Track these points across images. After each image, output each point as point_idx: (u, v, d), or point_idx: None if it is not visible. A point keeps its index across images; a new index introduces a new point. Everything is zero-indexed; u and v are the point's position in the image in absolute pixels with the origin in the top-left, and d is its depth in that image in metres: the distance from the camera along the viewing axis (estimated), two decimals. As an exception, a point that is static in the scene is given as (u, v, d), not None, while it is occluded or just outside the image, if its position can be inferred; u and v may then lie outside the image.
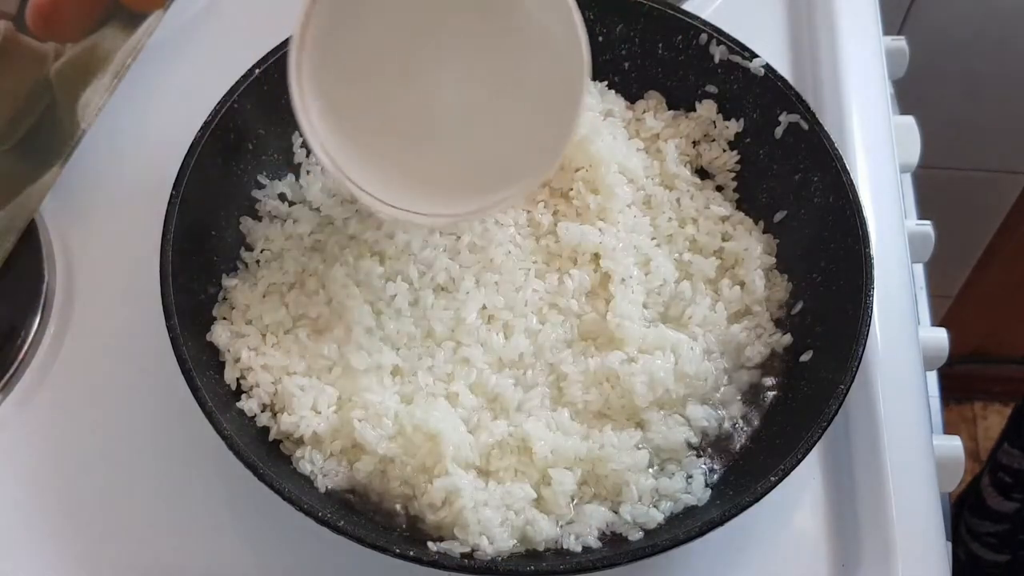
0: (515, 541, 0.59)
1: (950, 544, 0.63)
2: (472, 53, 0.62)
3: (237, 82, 0.68)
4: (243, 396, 0.63)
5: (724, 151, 0.73)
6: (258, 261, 0.69)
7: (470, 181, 0.62)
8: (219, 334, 0.65)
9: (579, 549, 0.59)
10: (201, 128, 0.67)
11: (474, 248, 0.68)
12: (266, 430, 0.63)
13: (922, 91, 0.94)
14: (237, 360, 0.64)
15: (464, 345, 0.65)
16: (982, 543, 1.20)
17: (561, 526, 0.60)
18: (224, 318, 0.66)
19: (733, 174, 0.73)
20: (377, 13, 0.60)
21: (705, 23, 0.72)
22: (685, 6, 0.75)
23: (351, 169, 0.60)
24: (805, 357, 0.65)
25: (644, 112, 0.75)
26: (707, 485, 0.62)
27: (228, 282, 0.67)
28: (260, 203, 0.71)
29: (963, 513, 1.22)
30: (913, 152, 0.80)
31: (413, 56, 0.62)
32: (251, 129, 0.70)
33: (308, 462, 0.62)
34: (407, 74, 0.62)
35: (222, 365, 0.64)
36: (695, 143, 0.74)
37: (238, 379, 0.64)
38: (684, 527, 0.58)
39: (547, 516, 0.60)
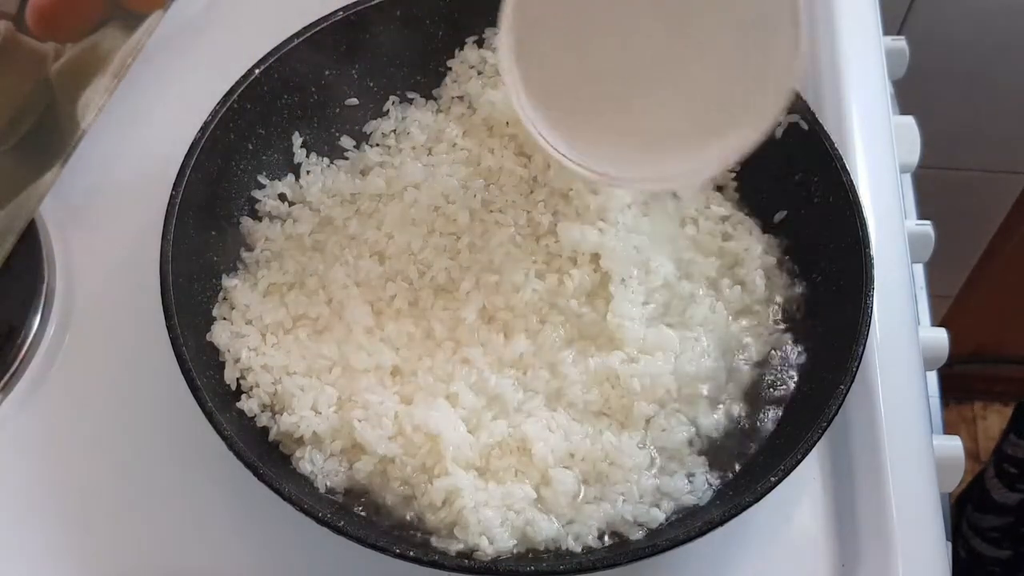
0: (515, 541, 0.59)
1: (950, 544, 0.63)
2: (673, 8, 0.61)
3: (237, 82, 0.68)
4: (243, 396, 0.63)
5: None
6: (258, 261, 0.69)
7: (676, 141, 0.61)
8: (219, 334, 0.65)
9: (579, 549, 0.59)
10: (201, 128, 0.67)
11: (474, 248, 0.68)
12: (266, 430, 0.63)
13: (922, 91, 0.94)
14: (237, 360, 0.64)
15: (464, 345, 0.65)
16: (984, 538, 1.20)
17: (561, 526, 0.60)
18: (224, 318, 0.66)
19: (733, 174, 0.73)
20: None
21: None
22: (685, 6, 0.75)
23: (555, 138, 0.60)
24: (805, 357, 0.65)
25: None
26: (708, 485, 0.62)
27: (228, 282, 0.67)
28: (260, 203, 0.71)
29: (964, 510, 1.22)
30: (913, 152, 0.80)
31: (611, 11, 0.61)
32: (251, 129, 0.70)
33: (308, 462, 0.62)
34: (605, 29, 0.61)
35: (222, 365, 0.64)
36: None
37: (238, 379, 0.64)
38: (684, 527, 0.58)
39: (547, 516, 0.60)
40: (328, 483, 0.61)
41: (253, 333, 0.65)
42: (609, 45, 0.61)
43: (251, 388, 0.64)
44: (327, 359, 0.65)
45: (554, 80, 0.61)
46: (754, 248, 0.69)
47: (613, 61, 0.61)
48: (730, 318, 0.67)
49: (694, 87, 0.61)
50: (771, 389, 0.66)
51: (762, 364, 0.66)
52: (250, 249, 0.69)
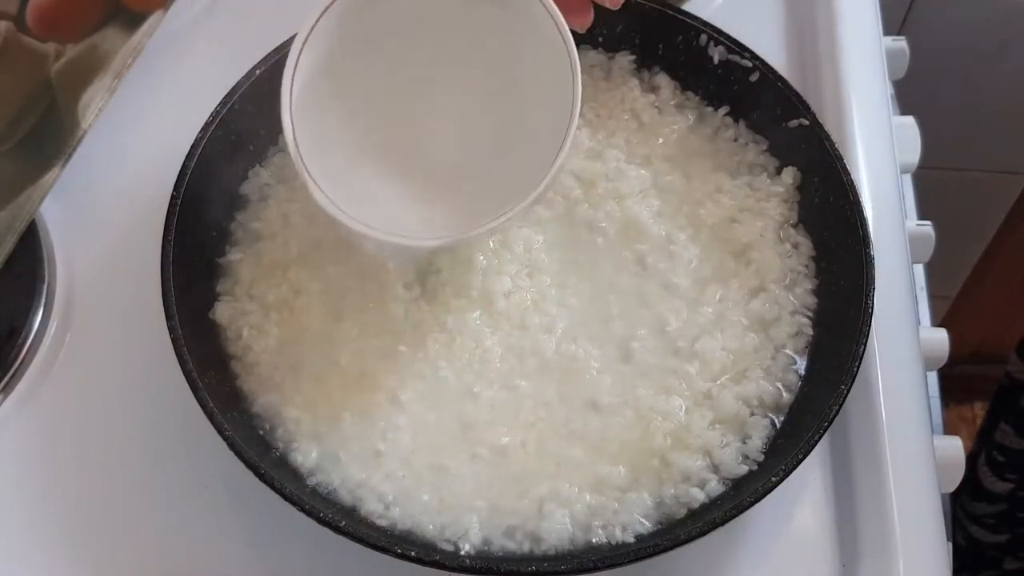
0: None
1: (950, 544, 0.63)
2: (464, 82, 0.62)
3: (238, 83, 0.69)
4: (244, 396, 0.63)
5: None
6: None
7: (460, 207, 0.61)
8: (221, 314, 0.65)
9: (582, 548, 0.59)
10: (202, 129, 0.67)
11: None
12: (267, 430, 0.63)
13: (922, 91, 0.94)
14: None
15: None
16: (980, 525, 1.20)
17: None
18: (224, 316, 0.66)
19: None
20: (371, 44, 0.61)
21: (705, 24, 0.72)
22: (685, 6, 0.75)
23: (338, 196, 0.58)
24: (805, 357, 0.65)
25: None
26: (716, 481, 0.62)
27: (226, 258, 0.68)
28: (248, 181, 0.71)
29: (959, 498, 1.22)
30: (913, 152, 0.80)
31: (403, 80, 0.62)
32: (252, 130, 0.70)
33: (309, 462, 0.62)
34: (396, 96, 0.62)
35: (223, 365, 0.64)
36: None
37: (238, 379, 0.64)
38: (684, 527, 0.58)
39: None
40: (329, 483, 0.61)
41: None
42: (398, 106, 0.63)
43: (252, 388, 0.64)
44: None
45: (340, 135, 0.61)
46: (768, 235, 0.69)
47: (399, 122, 0.63)
48: (747, 295, 0.67)
49: (481, 151, 0.62)
50: (771, 389, 0.66)
51: (792, 340, 0.66)
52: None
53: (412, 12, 0.60)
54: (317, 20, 0.57)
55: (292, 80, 0.58)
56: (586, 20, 0.60)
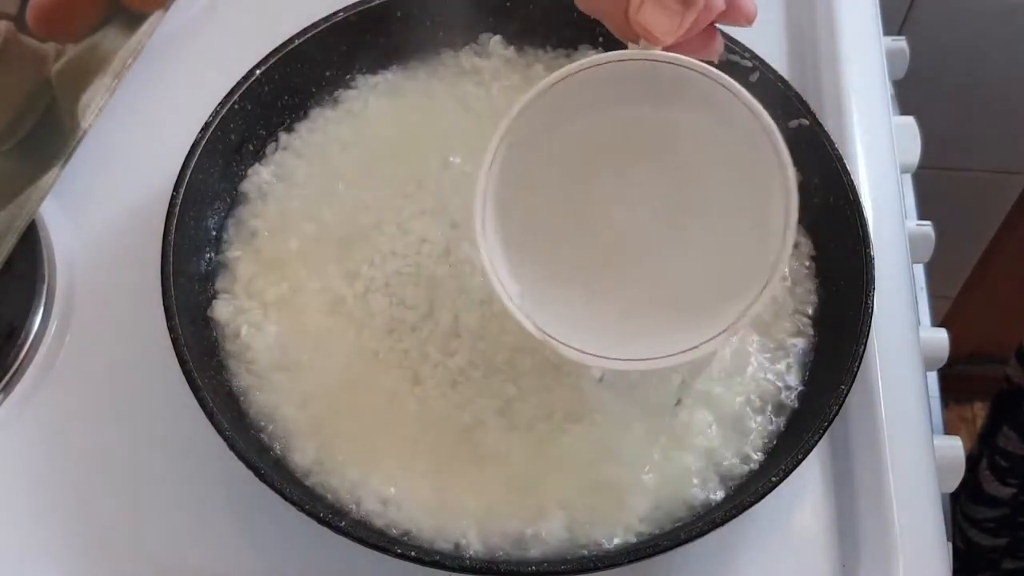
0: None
1: (951, 544, 0.63)
2: (661, 188, 0.57)
3: (238, 83, 0.69)
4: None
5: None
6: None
7: (671, 321, 0.56)
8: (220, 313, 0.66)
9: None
10: (202, 128, 0.67)
11: None
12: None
13: (922, 91, 0.94)
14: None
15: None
16: (980, 529, 1.20)
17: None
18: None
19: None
20: (553, 162, 0.56)
21: (705, 24, 0.72)
22: (685, 6, 0.75)
23: (547, 323, 0.54)
24: (805, 357, 0.65)
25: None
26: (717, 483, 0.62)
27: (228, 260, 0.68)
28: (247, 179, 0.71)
29: (958, 500, 1.22)
30: (913, 152, 0.80)
31: (592, 194, 0.57)
32: (252, 129, 0.70)
33: (309, 462, 0.62)
34: (585, 213, 0.58)
35: (223, 364, 0.64)
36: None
37: (239, 379, 0.64)
38: (684, 527, 0.58)
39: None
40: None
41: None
42: (587, 222, 0.58)
43: (252, 388, 0.64)
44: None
45: (536, 261, 0.56)
46: None
47: (592, 239, 0.58)
48: None
49: (688, 262, 0.57)
50: (771, 389, 0.66)
51: (796, 336, 0.66)
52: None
53: (592, 130, 0.55)
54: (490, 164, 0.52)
55: (484, 233, 0.53)
56: (715, 51, 0.55)
